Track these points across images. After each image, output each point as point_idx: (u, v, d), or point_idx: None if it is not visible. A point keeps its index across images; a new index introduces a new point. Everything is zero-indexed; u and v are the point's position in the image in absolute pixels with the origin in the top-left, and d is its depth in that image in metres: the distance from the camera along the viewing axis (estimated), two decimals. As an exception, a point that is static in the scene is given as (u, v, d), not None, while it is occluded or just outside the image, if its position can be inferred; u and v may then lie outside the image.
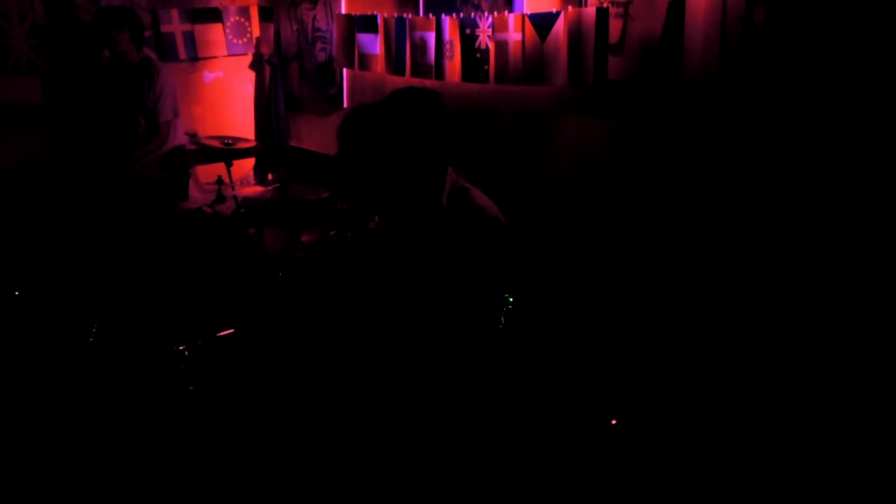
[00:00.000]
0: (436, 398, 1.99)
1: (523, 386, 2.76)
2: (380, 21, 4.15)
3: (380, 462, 2.11)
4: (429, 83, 3.89)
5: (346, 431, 2.32)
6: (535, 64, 3.29)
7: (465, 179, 1.95)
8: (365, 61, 4.36)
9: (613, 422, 2.93)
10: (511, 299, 1.81)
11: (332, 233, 3.43)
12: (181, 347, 3.17)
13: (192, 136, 4.77)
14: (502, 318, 1.85)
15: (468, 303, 1.84)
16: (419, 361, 1.96)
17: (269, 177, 5.68)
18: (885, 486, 2.27)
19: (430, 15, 3.83)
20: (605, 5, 3.04)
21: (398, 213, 1.97)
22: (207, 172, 5.29)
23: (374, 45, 4.25)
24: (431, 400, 1.99)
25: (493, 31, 3.47)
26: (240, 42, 5.41)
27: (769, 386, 2.66)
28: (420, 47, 3.90)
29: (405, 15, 3.98)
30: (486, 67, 3.54)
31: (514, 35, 3.36)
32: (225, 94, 5.57)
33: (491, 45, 3.49)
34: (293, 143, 5.44)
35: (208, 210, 4.03)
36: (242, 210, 4.06)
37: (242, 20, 5.38)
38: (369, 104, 1.93)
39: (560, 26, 3.15)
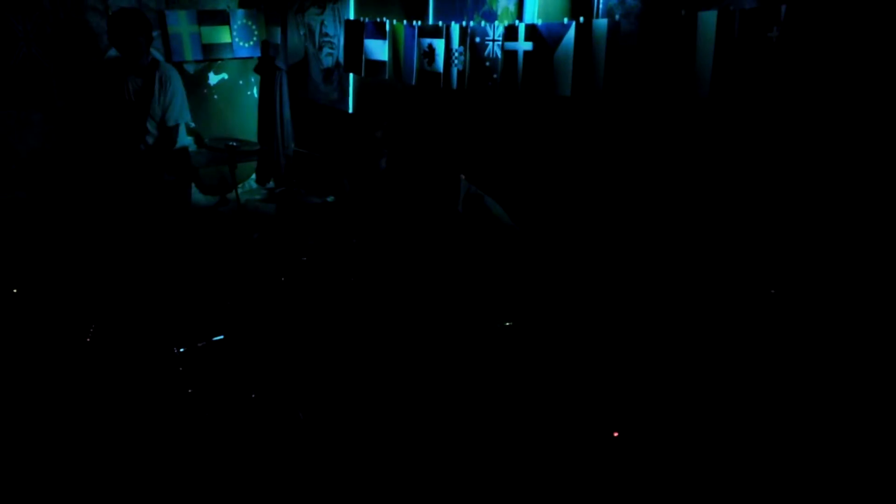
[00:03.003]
0: (439, 402, 1.97)
1: (527, 397, 2.73)
2: (388, 27, 4.15)
3: (379, 464, 2.08)
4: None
5: (347, 435, 2.30)
6: (544, 74, 3.29)
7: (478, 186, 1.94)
8: (372, 67, 4.35)
9: (615, 434, 2.90)
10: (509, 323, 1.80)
11: (336, 237, 3.41)
12: (180, 350, 3.14)
13: (196, 138, 4.76)
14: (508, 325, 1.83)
15: (482, 306, 1.83)
16: (427, 364, 1.95)
17: (272, 180, 5.67)
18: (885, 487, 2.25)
19: (440, 22, 3.83)
20: (616, 17, 3.04)
21: (417, 219, 1.95)
22: (210, 174, 5.27)
23: (381, 51, 4.25)
24: (435, 403, 1.97)
25: (503, 41, 3.47)
26: (246, 45, 5.40)
27: (771, 397, 2.64)
28: (428, 55, 3.90)
29: (414, 22, 3.98)
30: (494, 76, 3.54)
31: (524, 44, 3.36)
32: (230, 96, 5.56)
33: (500, 54, 3.48)
34: (297, 147, 5.43)
35: (211, 212, 4.00)
36: (244, 213, 4.04)
37: (249, 23, 5.38)
38: (380, 109, 1.92)
39: (571, 37, 3.15)
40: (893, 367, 2.34)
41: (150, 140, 4.24)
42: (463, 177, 1.93)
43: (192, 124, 5.17)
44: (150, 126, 4.22)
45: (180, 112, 4.25)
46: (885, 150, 2.36)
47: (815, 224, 2.56)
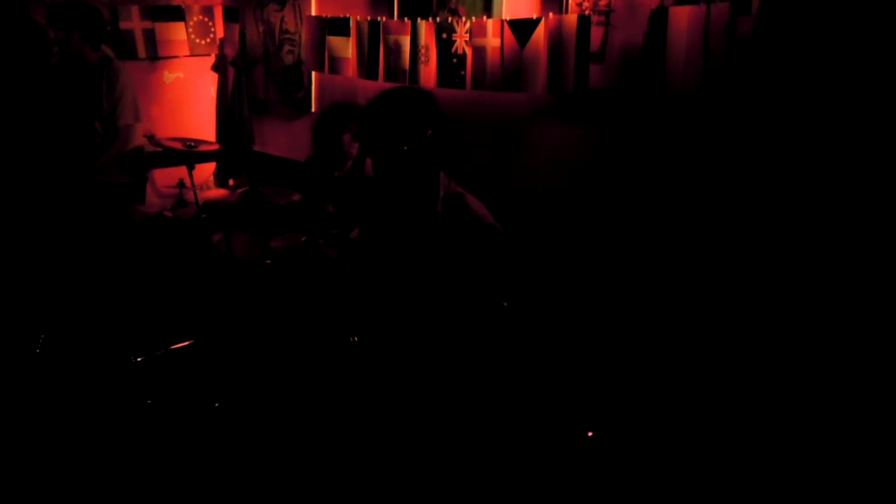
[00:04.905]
0: (424, 402, 1.90)
1: (505, 393, 2.68)
2: (352, 24, 4.06)
3: (344, 474, 2.01)
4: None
5: (311, 445, 2.21)
6: (513, 70, 3.24)
7: (457, 183, 1.88)
8: (336, 64, 4.25)
9: (590, 434, 2.87)
10: (505, 304, 1.75)
11: (302, 238, 3.30)
12: (139, 359, 3.01)
13: (150, 138, 4.57)
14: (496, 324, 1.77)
15: (463, 307, 1.76)
16: (412, 365, 1.87)
17: (231, 182, 5.50)
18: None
19: (405, 18, 3.75)
20: (586, 13, 3.02)
21: (392, 220, 1.87)
22: (166, 176, 5.07)
23: (345, 48, 4.15)
24: (419, 404, 1.90)
25: (470, 37, 3.41)
26: (203, 42, 5.23)
27: (749, 398, 2.65)
28: (394, 51, 3.82)
29: (379, 18, 3.90)
30: (462, 73, 3.48)
31: (492, 41, 3.31)
32: (186, 95, 5.37)
33: (468, 51, 3.43)
34: (256, 148, 5.29)
35: (168, 214, 3.85)
36: (204, 216, 3.89)
37: (206, 20, 5.21)
38: (352, 105, 1.84)
39: (540, 33, 3.11)
40: (871, 360, 2.36)
41: (98, 141, 4.04)
42: (442, 173, 1.86)
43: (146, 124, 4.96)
44: (99, 126, 4.02)
45: (132, 111, 4.07)
46: (858, 140, 2.37)
47: (791, 218, 2.57)
